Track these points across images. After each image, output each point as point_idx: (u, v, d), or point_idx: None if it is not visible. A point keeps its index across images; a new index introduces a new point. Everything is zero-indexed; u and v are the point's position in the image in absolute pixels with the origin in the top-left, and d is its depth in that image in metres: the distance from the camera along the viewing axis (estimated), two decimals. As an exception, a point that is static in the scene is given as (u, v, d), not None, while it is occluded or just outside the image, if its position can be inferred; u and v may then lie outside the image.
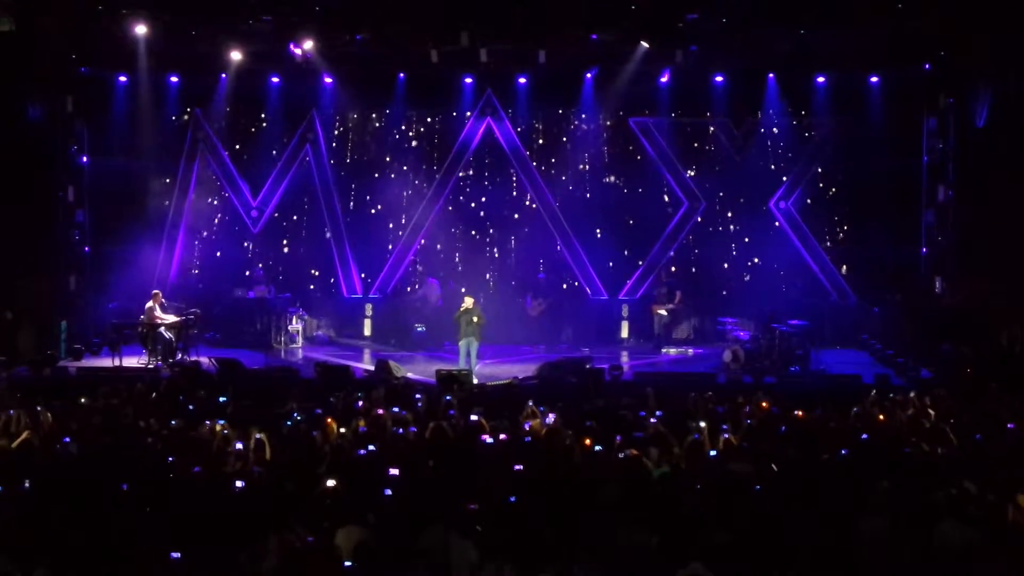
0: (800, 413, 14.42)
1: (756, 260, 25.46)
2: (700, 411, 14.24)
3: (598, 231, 25.69)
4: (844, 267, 25.23)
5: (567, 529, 9.09)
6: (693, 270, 25.83)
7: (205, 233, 25.83)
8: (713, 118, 25.35)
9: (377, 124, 26.12)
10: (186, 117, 25.52)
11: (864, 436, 12.82)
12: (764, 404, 14.96)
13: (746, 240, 25.57)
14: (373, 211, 26.03)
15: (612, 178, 25.88)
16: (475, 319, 20.38)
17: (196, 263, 25.79)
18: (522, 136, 25.71)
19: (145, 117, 24.52)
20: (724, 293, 25.39)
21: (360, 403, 14.96)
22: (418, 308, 24.53)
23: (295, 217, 26.12)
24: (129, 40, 22.36)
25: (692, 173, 25.64)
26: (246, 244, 25.86)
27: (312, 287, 25.87)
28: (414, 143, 26.08)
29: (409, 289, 25.67)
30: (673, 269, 25.68)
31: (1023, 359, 19.85)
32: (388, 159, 26.02)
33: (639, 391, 16.15)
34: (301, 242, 26.07)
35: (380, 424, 13.26)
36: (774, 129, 25.39)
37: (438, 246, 25.98)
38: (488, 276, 25.61)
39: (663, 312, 24.09)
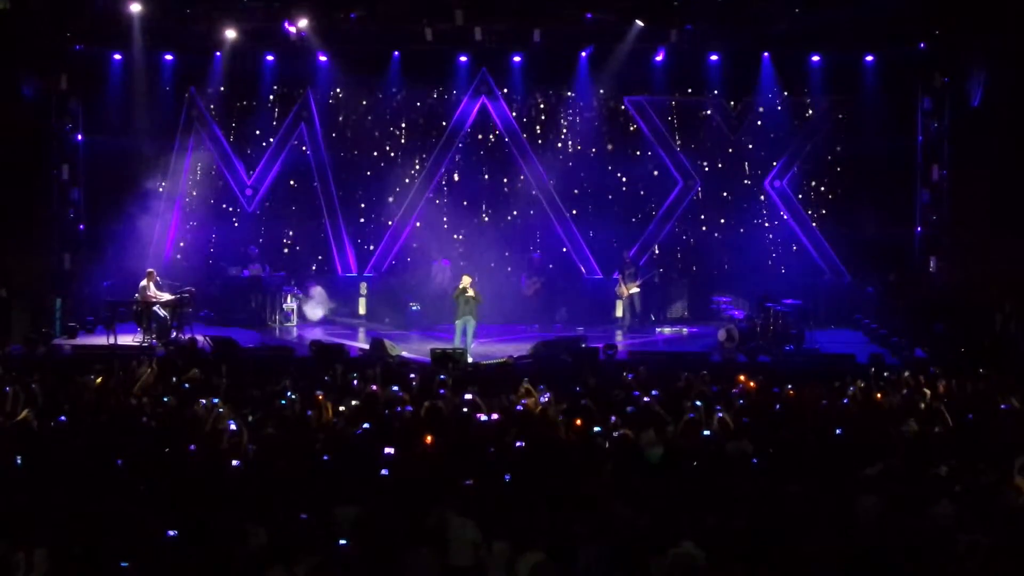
0: (791, 391, 14.47)
1: (751, 239, 25.42)
2: (694, 390, 14.29)
3: (593, 210, 25.68)
4: (829, 242, 25.23)
5: (561, 507, 9.11)
6: (684, 245, 25.84)
7: (199, 211, 25.74)
8: (708, 97, 25.32)
9: (372, 102, 26.02)
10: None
11: (855, 416, 12.87)
12: (742, 377, 15.08)
13: (741, 219, 25.56)
14: (368, 190, 25.98)
15: (607, 157, 25.78)
16: (471, 295, 20.39)
17: (191, 241, 25.71)
18: (517, 115, 25.67)
19: (140, 95, 24.40)
20: (718, 272, 25.38)
21: (355, 382, 14.97)
22: (418, 287, 24.47)
23: (290, 195, 26.08)
24: (124, 18, 22.28)
25: (687, 152, 25.62)
26: (240, 223, 25.78)
27: (312, 266, 25.84)
28: (409, 121, 26.00)
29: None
30: (657, 252, 25.67)
31: (1016, 339, 19.90)
32: (383, 137, 25.95)
33: (633, 370, 16.25)
34: (296, 221, 26.01)
35: (375, 403, 13.29)
36: (768, 108, 25.34)
37: (432, 225, 25.87)
38: (483, 255, 25.48)
39: (635, 291, 24.05)
